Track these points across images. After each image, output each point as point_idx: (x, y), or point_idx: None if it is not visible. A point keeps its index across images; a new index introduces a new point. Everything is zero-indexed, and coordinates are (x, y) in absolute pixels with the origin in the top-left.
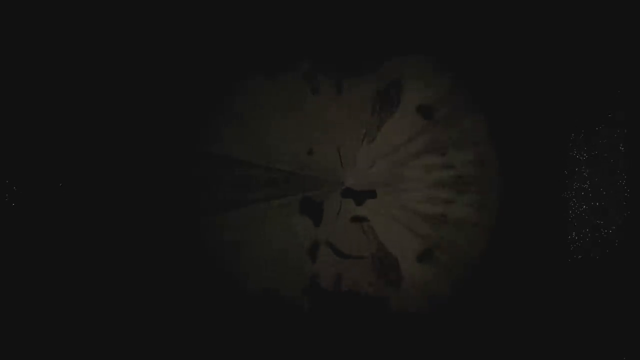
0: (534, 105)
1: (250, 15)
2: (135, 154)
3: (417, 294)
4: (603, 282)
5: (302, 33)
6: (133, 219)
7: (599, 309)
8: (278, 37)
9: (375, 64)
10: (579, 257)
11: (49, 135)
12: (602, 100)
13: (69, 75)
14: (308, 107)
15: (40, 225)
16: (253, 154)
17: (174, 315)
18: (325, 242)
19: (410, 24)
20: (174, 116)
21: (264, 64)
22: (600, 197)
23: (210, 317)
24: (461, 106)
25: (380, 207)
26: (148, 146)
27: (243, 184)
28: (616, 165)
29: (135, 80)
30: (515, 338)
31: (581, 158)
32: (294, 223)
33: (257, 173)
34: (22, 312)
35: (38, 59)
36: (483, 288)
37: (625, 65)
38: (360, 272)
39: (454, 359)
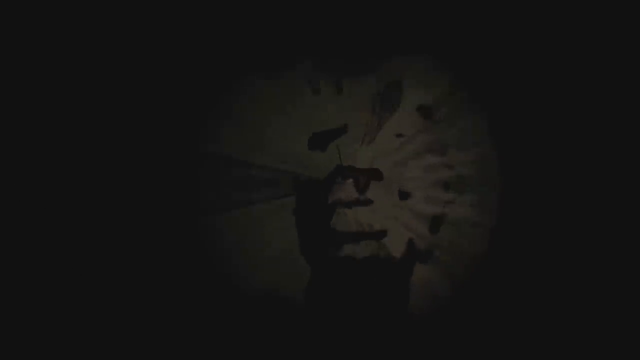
0: (533, 105)
1: (251, 15)
2: (135, 154)
3: (417, 294)
4: (604, 282)
5: (302, 33)
6: (133, 219)
7: (598, 309)
8: (278, 37)
9: (375, 64)
10: (578, 257)
11: (50, 136)
12: (601, 101)
13: (69, 75)
14: (308, 107)
15: (42, 225)
16: (253, 154)
17: (174, 315)
18: (326, 242)
19: (411, 24)
20: (174, 116)
21: (264, 63)
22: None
23: (210, 316)
24: (461, 106)
25: (381, 207)
26: (148, 146)
27: (243, 184)
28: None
29: (135, 80)
30: (515, 337)
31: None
32: (293, 223)
33: (257, 173)
34: (23, 311)
35: (39, 60)
36: (483, 288)
37: (625, 64)
38: (361, 272)
39: (454, 359)
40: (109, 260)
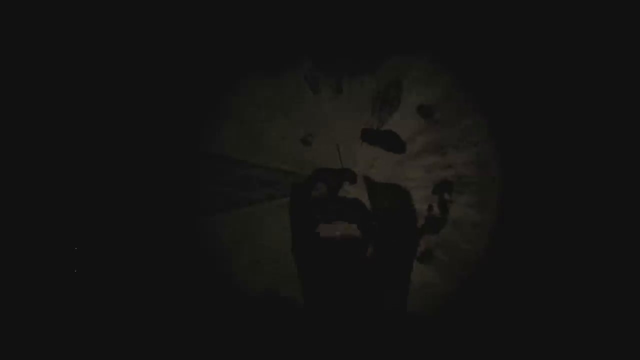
0: (534, 105)
1: (251, 15)
2: (134, 153)
3: (417, 294)
4: (605, 282)
5: (302, 33)
6: (132, 220)
7: (599, 309)
8: (278, 36)
9: (375, 64)
10: (579, 257)
11: (48, 135)
12: (602, 100)
13: (67, 74)
14: (308, 107)
15: (38, 224)
16: (253, 154)
17: (173, 316)
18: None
19: (410, 24)
20: (173, 116)
21: (263, 63)
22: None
23: (209, 317)
24: (461, 106)
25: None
26: (147, 146)
27: (243, 184)
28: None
29: (134, 79)
30: (516, 338)
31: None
32: None
33: (257, 173)
34: (21, 312)
35: (37, 59)
36: (483, 288)
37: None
38: (362, 272)
39: (454, 359)
40: (107, 261)
